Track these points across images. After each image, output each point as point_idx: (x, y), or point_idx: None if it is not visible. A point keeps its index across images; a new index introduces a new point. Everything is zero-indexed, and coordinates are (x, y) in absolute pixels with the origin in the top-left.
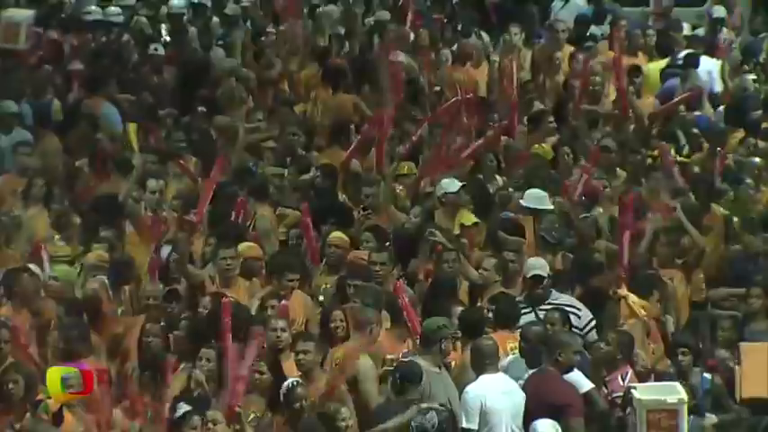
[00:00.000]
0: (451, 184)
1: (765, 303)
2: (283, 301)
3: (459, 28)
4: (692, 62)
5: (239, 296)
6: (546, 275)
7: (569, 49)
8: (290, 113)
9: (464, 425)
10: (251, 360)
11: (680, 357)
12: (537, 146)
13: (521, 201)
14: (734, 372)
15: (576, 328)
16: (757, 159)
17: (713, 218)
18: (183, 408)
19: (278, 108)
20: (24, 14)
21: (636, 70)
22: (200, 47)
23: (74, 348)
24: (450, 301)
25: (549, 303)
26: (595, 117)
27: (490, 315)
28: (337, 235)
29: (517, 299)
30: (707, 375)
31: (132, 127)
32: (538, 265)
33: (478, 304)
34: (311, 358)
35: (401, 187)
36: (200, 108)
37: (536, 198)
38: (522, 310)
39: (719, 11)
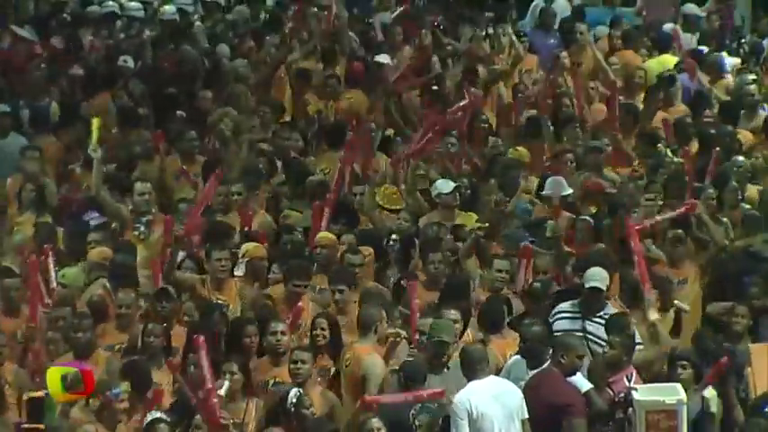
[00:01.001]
0: (445, 185)
1: (749, 323)
2: (300, 303)
3: (468, 29)
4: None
5: (230, 299)
6: (604, 288)
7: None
8: (270, 113)
9: None
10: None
11: (679, 371)
12: (512, 149)
13: (543, 191)
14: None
15: None
16: (741, 158)
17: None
18: (153, 414)
19: (260, 109)
20: None
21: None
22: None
23: (79, 343)
24: (461, 301)
25: (600, 317)
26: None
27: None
28: (324, 235)
29: (569, 307)
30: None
31: (96, 121)
32: (599, 278)
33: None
34: (307, 368)
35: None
36: (179, 112)
37: (558, 184)
38: (571, 317)
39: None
